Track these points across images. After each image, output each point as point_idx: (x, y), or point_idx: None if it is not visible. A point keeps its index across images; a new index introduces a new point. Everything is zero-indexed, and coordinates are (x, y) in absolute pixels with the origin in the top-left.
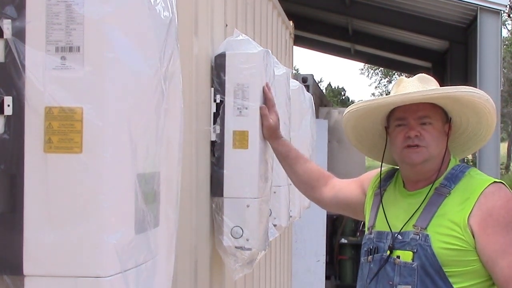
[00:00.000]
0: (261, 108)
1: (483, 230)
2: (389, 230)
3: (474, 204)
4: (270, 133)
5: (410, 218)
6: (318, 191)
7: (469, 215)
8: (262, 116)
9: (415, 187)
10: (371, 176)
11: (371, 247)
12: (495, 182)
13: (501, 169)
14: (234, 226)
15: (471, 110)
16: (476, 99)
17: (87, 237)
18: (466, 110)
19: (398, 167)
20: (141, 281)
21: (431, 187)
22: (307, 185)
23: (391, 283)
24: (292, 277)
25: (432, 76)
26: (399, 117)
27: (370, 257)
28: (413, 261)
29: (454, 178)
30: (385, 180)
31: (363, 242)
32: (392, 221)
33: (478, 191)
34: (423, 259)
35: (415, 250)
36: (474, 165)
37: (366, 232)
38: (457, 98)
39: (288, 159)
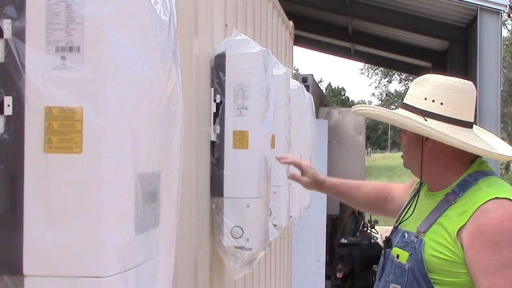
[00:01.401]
0: (292, 176)
1: (471, 246)
2: (404, 227)
3: (469, 218)
4: (313, 186)
5: (420, 219)
6: (385, 209)
7: (460, 227)
8: (298, 180)
9: (433, 188)
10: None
11: (388, 241)
12: (497, 198)
13: (501, 169)
14: (234, 226)
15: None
16: (368, 113)
17: (87, 237)
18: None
19: None
20: (141, 281)
21: (444, 191)
22: (372, 209)
23: (387, 279)
24: (292, 277)
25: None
26: None
27: (385, 250)
28: (406, 262)
29: (465, 186)
30: (422, 183)
31: (388, 236)
32: (408, 218)
33: (476, 205)
34: (413, 263)
35: (411, 253)
36: None
37: (393, 226)
38: (366, 115)
39: (342, 196)
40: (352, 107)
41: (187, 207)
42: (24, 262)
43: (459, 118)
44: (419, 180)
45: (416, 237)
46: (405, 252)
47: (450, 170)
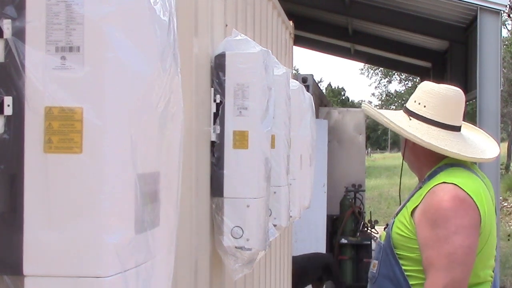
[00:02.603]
0: None
1: (418, 223)
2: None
3: (421, 200)
4: None
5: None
6: None
7: (415, 207)
8: None
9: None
10: None
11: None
12: (444, 182)
13: (501, 169)
14: (234, 226)
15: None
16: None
17: (87, 237)
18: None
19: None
20: (141, 281)
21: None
22: None
23: (373, 257)
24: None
25: (432, 76)
26: None
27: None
28: (383, 241)
29: (432, 175)
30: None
31: None
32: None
33: (429, 188)
34: (386, 240)
35: (387, 233)
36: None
37: None
38: (370, 115)
39: None
40: (363, 104)
41: (187, 207)
42: (24, 262)
43: (437, 120)
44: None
45: (391, 220)
46: (384, 233)
47: (428, 164)
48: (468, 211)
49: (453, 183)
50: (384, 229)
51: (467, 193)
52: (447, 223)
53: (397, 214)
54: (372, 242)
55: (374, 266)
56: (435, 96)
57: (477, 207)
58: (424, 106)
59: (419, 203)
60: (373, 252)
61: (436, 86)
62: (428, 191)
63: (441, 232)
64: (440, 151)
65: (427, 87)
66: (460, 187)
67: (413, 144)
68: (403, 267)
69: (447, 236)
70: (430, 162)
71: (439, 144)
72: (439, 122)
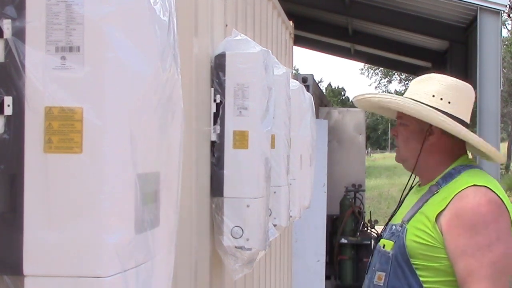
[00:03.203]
0: None
1: (449, 229)
2: (394, 222)
3: (448, 204)
4: None
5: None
6: None
7: (439, 213)
8: None
9: (422, 183)
10: None
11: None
12: (475, 185)
13: (501, 169)
14: (234, 226)
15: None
16: (376, 101)
17: (87, 237)
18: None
19: None
20: (141, 281)
21: (429, 184)
22: None
23: (374, 268)
24: (292, 277)
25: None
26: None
27: (376, 245)
28: (391, 250)
29: (448, 178)
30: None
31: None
32: (398, 215)
33: (455, 192)
34: (396, 249)
35: (394, 241)
36: None
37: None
38: (374, 104)
39: None
40: (370, 94)
41: (187, 207)
42: (24, 262)
43: (462, 118)
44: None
45: (401, 226)
46: (390, 242)
47: (442, 164)
48: (504, 216)
49: (485, 186)
50: (379, 236)
51: (499, 197)
52: (487, 229)
53: (408, 220)
54: (372, 242)
55: (380, 278)
56: (460, 92)
57: (508, 211)
58: (449, 102)
59: (444, 208)
60: (376, 263)
61: (458, 81)
62: (456, 194)
63: (482, 239)
64: (483, 149)
65: (447, 81)
66: (492, 190)
67: (437, 140)
68: (421, 279)
69: (490, 243)
70: (444, 162)
71: (479, 140)
72: (463, 121)
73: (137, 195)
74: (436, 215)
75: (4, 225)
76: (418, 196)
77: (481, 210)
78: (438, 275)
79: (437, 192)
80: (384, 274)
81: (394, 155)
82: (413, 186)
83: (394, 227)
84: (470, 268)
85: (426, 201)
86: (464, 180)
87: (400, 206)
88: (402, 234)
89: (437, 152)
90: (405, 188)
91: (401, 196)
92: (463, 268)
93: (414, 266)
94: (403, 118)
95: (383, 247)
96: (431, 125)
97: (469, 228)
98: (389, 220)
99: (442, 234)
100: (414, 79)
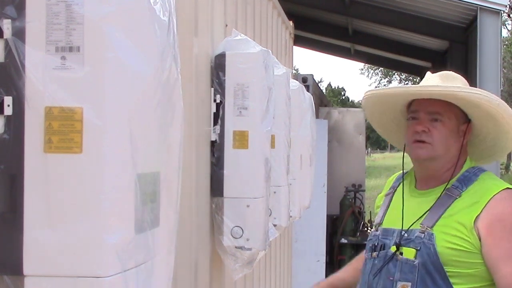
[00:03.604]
0: None
1: (490, 234)
2: (395, 227)
3: (483, 208)
4: None
5: (420, 216)
6: None
7: (476, 217)
8: None
9: (426, 185)
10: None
11: (376, 244)
12: (507, 188)
13: (501, 169)
14: (234, 226)
15: (484, 113)
16: (484, 102)
17: (87, 237)
18: (479, 113)
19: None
20: (141, 281)
21: (444, 187)
22: None
23: (391, 278)
24: (292, 277)
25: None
26: (412, 109)
27: (375, 253)
28: (415, 258)
29: (467, 181)
30: (398, 182)
31: (368, 239)
32: (401, 219)
33: (489, 195)
34: (425, 257)
35: (419, 248)
36: None
37: (373, 229)
38: (459, 97)
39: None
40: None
41: (187, 207)
42: (24, 262)
43: None
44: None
45: (423, 233)
46: (411, 249)
47: (457, 165)
48: None
49: None
50: (399, 245)
51: None
52: None
53: (431, 226)
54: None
55: None
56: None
57: None
58: None
59: (480, 212)
60: (395, 273)
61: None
62: (491, 198)
63: None
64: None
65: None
66: None
67: (466, 141)
68: (454, 286)
69: None
70: (460, 163)
71: None
72: None
73: (137, 195)
74: (473, 220)
75: (4, 225)
76: (427, 200)
77: None
78: (472, 281)
79: (460, 196)
80: (409, 284)
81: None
82: (396, 189)
83: (408, 233)
84: None
85: (449, 205)
86: (490, 183)
87: (388, 209)
88: (430, 241)
89: (463, 153)
90: (392, 190)
91: (390, 201)
92: (510, 272)
93: (447, 274)
94: (441, 114)
95: (401, 255)
96: (469, 124)
97: (511, 231)
98: (380, 223)
99: (479, 240)
100: (439, 74)
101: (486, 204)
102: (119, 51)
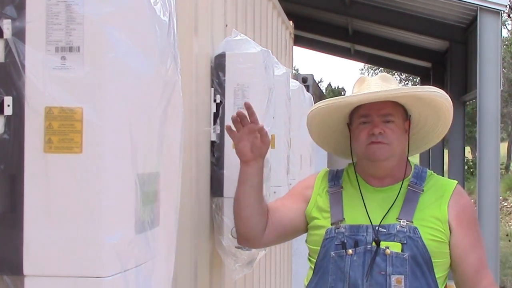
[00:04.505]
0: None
1: (459, 224)
2: (366, 223)
3: (449, 202)
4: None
5: (387, 212)
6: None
7: (447, 210)
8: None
9: (382, 183)
10: (311, 181)
11: (345, 241)
12: (457, 183)
13: (501, 169)
14: (234, 226)
15: (431, 108)
16: (438, 99)
17: (87, 237)
18: (427, 109)
19: (342, 168)
20: (141, 281)
21: (402, 183)
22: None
23: (383, 273)
24: (292, 277)
25: (432, 76)
26: (363, 114)
27: (350, 250)
28: (403, 251)
29: (420, 177)
30: (337, 179)
31: (328, 237)
32: (366, 215)
33: (450, 190)
34: (414, 250)
35: (405, 242)
36: (474, 165)
37: (330, 226)
38: (421, 97)
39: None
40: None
41: (187, 207)
42: (24, 262)
43: None
44: (337, 176)
45: (403, 227)
46: (396, 243)
47: (405, 161)
48: None
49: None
50: (377, 241)
51: None
52: (477, 219)
53: (411, 220)
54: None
55: (399, 281)
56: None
57: None
58: None
59: (447, 207)
60: (387, 267)
61: None
62: (453, 191)
63: (478, 229)
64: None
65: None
66: None
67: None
68: (436, 275)
69: (480, 231)
70: (405, 158)
71: None
72: None
73: (137, 195)
74: (446, 212)
75: (4, 225)
76: (388, 196)
77: (473, 204)
78: (442, 270)
79: (423, 191)
80: (402, 276)
81: None
82: (342, 186)
83: (386, 228)
84: (482, 258)
85: (418, 200)
86: (443, 179)
87: (342, 206)
88: (415, 234)
89: (405, 149)
90: (337, 188)
91: (362, 197)
92: (476, 258)
93: (433, 264)
94: (393, 115)
95: (388, 249)
96: (409, 120)
97: (473, 221)
98: (340, 220)
99: (450, 230)
100: (372, 78)
101: (450, 198)
102: (119, 51)
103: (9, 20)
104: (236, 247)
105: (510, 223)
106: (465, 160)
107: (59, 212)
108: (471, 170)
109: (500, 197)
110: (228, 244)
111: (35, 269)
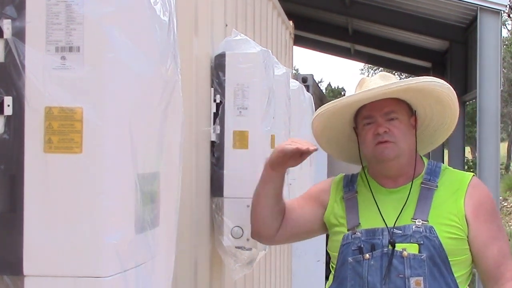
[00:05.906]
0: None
1: (476, 218)
2: (381, 226)
3: (465, 195)
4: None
5: (400, 212)
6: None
7: (464, 205)
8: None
9: (396, 184)
10: (327, 185)
11: (362, 245)
12: (473, 175)
13: (501, 169)
14: (234, 226)
15: (434, 99)
16: (438, 88)
17: (87, 237)
18: (429, 101)
19: (357, 172)
20: (141, 281)
21: (415, 181)
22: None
23: (401, 276)
24: (292, 277)
25: (432, 76)
26: (366, 115)
27: (367, 254)
28: (420, 252)
29: (434, 173)
30: (352, 184)
31: (345, 243)
32: (381, 218)
33: (465, 183)
34: (431, 250)
35: (422, 242)
36: (474, 165)
37: (347, 232)
38: (418, 89)
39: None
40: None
41: (187, 207)
42: (24, 262)
43: None
44: (351, 181)
45: (419, 227)
46: (413, 244)
47: (417, 158)
48: None
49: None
50: (393, 243)
51: None
52: (497, 211)
53: (426, 219)
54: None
55: (418, 283)
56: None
57: None
58: None
59: (464, 200)
60: (405, 270)
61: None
62: (469, 184)
63: (500, 221)
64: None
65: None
66: None
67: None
68: (455, 274)
69: (501, 223)
70: (417, 156)
71: None
72: None
73: (137, 195)
74: (462, 207)
75: (4, 225)
76: (402, 197)
77: (491, 195)
78: (463, 268)
79: (437, 187)
80: (421, 278)
81: None
82: (356, 191)
83: (401, 229)
84: (502, 249)
85: (432, 197)
86: (458, 172)
87: (358, 210)
88: (432, 234)
89: (414, 147)
90: (352, 193)
91: (375, 200)
92: (498, 251)
93: (451, 263)
94: (396, 112)
95: (405, 251)
96: (414, 116)
97: (492, 213)
98: (357, 225)
99: (467, 225)
100: (372, 78)
101: (466, 192)
102: (119, 51)
103: (9, 20)
104: (236, 247)
105: (510, 223)
106: (465, 160)
107: (59, 212)
108: (471, 170)
109: (500, 197)
110: (228, 244)
111: (35, 269)
